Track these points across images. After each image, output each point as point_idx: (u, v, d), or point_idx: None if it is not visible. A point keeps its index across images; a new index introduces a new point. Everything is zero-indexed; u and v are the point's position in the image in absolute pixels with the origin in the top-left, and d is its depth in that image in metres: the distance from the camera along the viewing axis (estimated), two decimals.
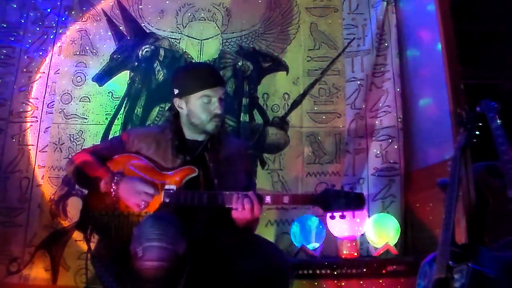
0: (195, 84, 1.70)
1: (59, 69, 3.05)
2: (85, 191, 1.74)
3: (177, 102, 1.75)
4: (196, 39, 3.12)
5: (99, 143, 2.74)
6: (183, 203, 1.60)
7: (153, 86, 3.04)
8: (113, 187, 1.59)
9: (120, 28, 3.14)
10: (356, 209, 1.57)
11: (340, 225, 2.55)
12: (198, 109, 1.71)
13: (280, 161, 2.92)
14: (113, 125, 2.96)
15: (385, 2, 3.08)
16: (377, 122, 2.97)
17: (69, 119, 2.96)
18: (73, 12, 3.15)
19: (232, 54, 3.09)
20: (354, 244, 2.56)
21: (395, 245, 2.56)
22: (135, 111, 2.99)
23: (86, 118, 2.97)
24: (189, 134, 1.78)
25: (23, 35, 3.10)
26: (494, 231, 1.86)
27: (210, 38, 3.12)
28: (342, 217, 1.58)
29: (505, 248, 1.72)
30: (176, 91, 1.74)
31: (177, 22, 3.15)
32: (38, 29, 3.12)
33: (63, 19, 3.14)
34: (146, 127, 2.75)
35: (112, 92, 3.02)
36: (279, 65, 3.08)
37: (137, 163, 1.70)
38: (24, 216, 2.77)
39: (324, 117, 3.00)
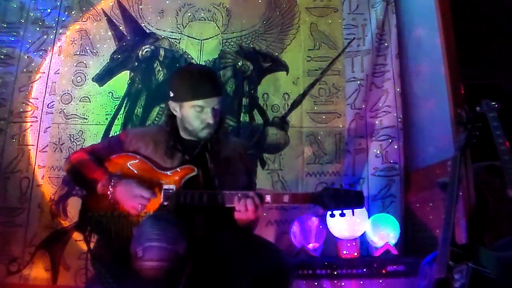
0: (188, 93, 1.67)
1: (59, 69, 3.05)
2: (85, 191, 1.73)
3: (172, 104, 1.73)
4: (196, 39, 3.12)
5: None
6: (182, 202, 1.60)
7: (153, 86, 3.04)
8: (110, 189, 1.59)
9: (120, 28, 3.13)
10: (356, 206, 1.58)
11: (340, 225, 2.55)
12: (191, 117, 1.68)
13: (280, 161, 2.92)
14: (113, 125, 2.96)
15: (385, 2, 3.08)
16: (377, 122, 2.97)
17: (69, 119, 2.95)
18: (73, 12, 3.15)
19: (232, 54, 3.09)
20: (354, 244, 2.55)
21: (395, 245, 2.56)
22: (135, 111, 2.99)
23: (86, 118, 2.97)
24: (185, 135, 1.78)
25: (23, 35, 3.10)
26: (494, 231, 1.85)
27: (210, 38, 3.12)
28: (342, 215, 1.58)
29: (505, 248, 1.72)
30: (171, 94, 1.73)
31: (177, 22, 3.15)
32: (38, 29, 3.12)
33: (63, 19, 3.14)
34: (145, 127, 2.76)
35: (112, 92, 3.02)
36: (279, 65, 3.08)
37: (135, 163, 1.70)
38: (24, 216, 2.77)
39: (324, 117, 3.00)
